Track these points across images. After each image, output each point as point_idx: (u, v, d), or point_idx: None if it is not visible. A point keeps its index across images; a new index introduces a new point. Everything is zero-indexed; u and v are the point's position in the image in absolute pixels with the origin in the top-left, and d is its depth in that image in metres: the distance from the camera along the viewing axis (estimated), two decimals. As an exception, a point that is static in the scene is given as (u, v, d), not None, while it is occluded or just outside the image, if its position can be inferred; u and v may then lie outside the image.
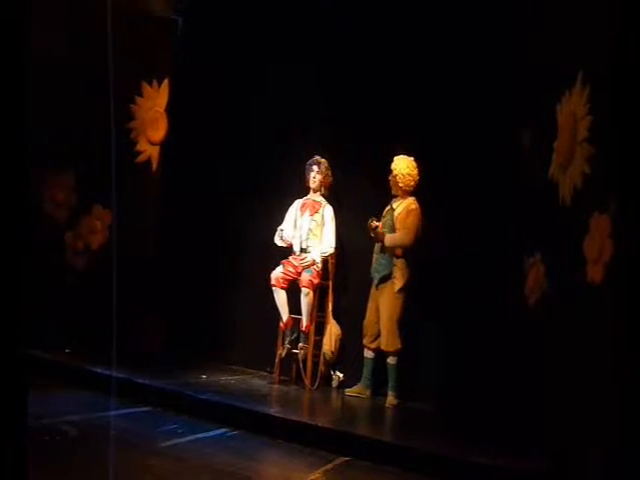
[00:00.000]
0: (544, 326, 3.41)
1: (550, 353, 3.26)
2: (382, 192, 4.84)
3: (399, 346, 4.52)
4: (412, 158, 4.66)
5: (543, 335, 3.41)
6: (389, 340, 4.52)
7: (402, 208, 4.65)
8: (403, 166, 4.62)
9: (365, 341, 4.68)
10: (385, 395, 4.56)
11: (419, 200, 4.72)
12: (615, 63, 2.59)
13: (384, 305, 4.55)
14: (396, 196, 4.72)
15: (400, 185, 4.63)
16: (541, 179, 3.52)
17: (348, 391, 4.71)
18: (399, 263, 4.56)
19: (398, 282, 4.52)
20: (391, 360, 4.54)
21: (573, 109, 3.12)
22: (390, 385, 4.55)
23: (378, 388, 4.67)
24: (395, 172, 4.63)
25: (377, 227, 4.61)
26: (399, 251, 4.58)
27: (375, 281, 4.65)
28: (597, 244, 2.68)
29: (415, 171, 4.64)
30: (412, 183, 4.63)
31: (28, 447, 1.89)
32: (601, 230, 2.66)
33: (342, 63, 5.23)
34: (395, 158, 4.66)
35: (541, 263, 3.55)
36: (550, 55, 3.57)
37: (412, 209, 4.62)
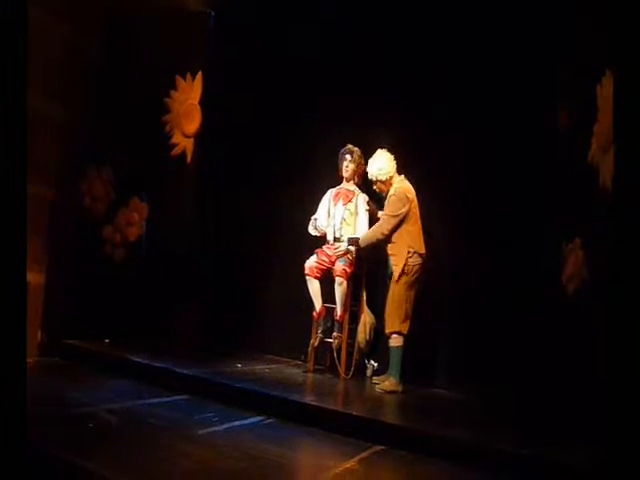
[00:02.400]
0: (583, 314, 3.33)
1: (591, 342, 3.18)
2: (415, 179, 4.79)
3: (397, 328, 4.40)
4: (382, 150, 4.66)
5: (582, 323, 3.33)
6: (387, 322, 4.46)
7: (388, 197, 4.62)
8: (373, 170, 4.64)
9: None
10: (419, 384, 4.52)
11: (452, 180, 4.72)
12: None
13: (390, 289, 4.50)
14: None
15: (378, 185, 4.66)
16: (580, 163, 3.42)
17: (375, 379, 4.67)
18: (395, 252, 4.49)
19: (396, 271, 4.44)
20: (391, 342, 4.45)
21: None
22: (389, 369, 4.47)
23: (413, 377, 4.63)
24: (371, 178, 4.67)
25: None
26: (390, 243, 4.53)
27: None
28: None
29: (385, 164, 4.60)
30: (386, 177, 4.59)
31: (67, 432, 1.93)
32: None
33: (376, 51, 5.19)
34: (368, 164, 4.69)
35: (580, 249, 3.46)
36: (590, 33, 3.46)
37: (390, 195, 4.57)
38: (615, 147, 2.39)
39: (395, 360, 4.43)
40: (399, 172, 4.68)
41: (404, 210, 4.48)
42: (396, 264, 4.46)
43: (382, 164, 4.61)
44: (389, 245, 4.54)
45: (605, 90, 3.15)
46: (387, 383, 4.41)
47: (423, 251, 4.51)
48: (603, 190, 3.11)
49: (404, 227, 4.50)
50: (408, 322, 4.44)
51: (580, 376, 3.25)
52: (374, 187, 4.73)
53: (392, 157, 4.66)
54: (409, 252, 4.45)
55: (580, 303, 3.44)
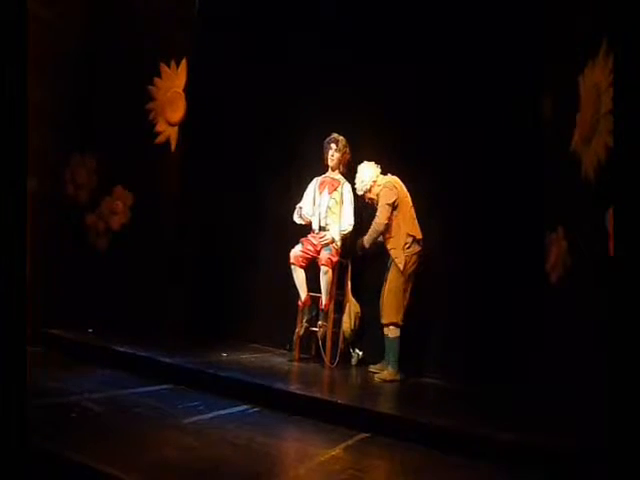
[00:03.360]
0: (567, 303, 3.37)
1: (574, 330, 3.22)
2: (400, 169, 4.82)
3: (394, 319, 4.48)
4: (362, 164, 4.78)
5: (565, 312, 3.37)
6: (384, 311, 4.53)
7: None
8: (357, 185, 4.76)
9: (381, 319, 4.68)
10: (409, 374, 4.56)
11: (437, 171, 4.77)
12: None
13: (388, 280, 4.56)
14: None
15: (366, 195, 4.75)
16: (563, 153, 3.44)
17: (372, 367, 4.74)
18: (394, 245, 4.55)
19: (396, 262, 4.51)
20: (388, 333, 4.52)
21: (596, 80, 3.03)
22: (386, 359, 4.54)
23: (403, 366, 4.66)
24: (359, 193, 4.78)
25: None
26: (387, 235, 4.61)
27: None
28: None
29: (365, 174, 4.72)
30: (370, 184, 4.69)
31: (51, 422, 1.92)
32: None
33: (362, 37, 5.17)
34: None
35: (564, 239, 3.50)
36: (572, 24, 3.47)
37: (379, 191, 4.65)
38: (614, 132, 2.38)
39: (393, 350, 4.50)
40: (384, 173, 4.76)
41: (395, 197, 4.57)
42: (396, 256, 4.53)
43: (363, 175, 4.73)
44: (389, 240, 4.59)
45: (587, 80, 3.17)
46: (386, 373, 4.48)
47: (420, 235, 4.60)
48: (585, 179, 3.13)
49: (399, 216, 4.57)
50: (402, 313, 4.52)
51: (565, 364, 3.29)
52: (366, 201, 4.80)
53: (372, 164, 4.76)
54: (406, 243, 4.52)
55: (563, 291, 3.48)
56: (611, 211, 2.74)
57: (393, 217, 4.57)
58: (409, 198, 4.67)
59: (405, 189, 4.68)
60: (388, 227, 4.59)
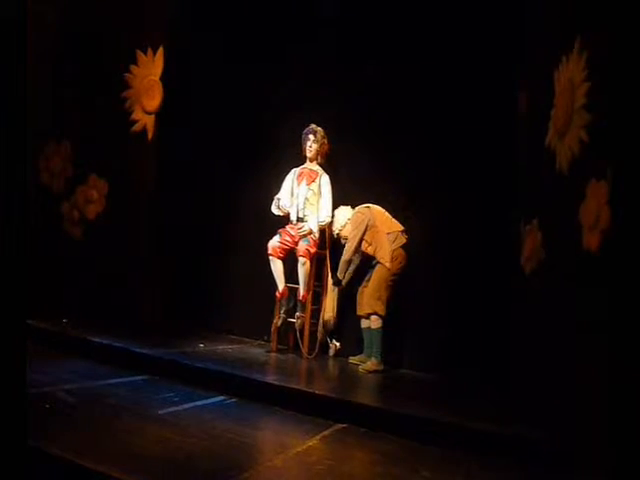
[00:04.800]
0: (540, 294, 3.42)
1: (547, 322, 3.27)
2: (379, 160, 4.84)
3: (376, 309, 4.53)
4: (338, 209, 4.89)
5: (538, 304, 3.43)
6: (366, 303, 4.58)
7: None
8: (333, 228, 4.89)
9: (358, 311, 4.71)
10: (388, 365, 4.59)
11: (415, 166, 4.81)
12: (613, 28, 2.54)
13: (372, 277, 4.63)
14: None
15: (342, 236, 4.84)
16: (538, 146, 3.49)
17: (352, 359, 4.77)
18: (377, 246, 4.62)
19: (385, 262, 4.58)
20: (371, 324, 4.57)
21: (570, 75, 3.07)
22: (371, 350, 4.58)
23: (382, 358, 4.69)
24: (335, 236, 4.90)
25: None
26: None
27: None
28: (594, 210, 2.67)
29: (340, 217, 4.85)
30: (344, 223, 4.80)
31: (29, 414, 1.90)
32: (598, 196, 2.64)
33: (341, 28, 5.17)
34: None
35: (538, 230, 3.55)
36: (547, 20, 3.51)
37: (351, 221, 4.74)
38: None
39: (376, 341, 4.55)
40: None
41: (364, 219, 4.65)
42: (382, 257, 4.58)
43: (339, 216, 4.84)
44: (368, 248, 4.65)
45: (562, 74, 3.21)
46: (369, 364, 4.52)
47: (401, 227, 4.67)
48: (559, 173, 3.18)
49: (377, 228, 4.64)
50: (384, 305, 4.57)
51: (540, 356, 3.34)
52: (342, 241, 4.85)
53: (349, 208, 4.85)
54: (390, 239, 4.59)
55: (537, 283, 3.53)
56: (584, 204, 2.79)
57: (371, 233, 4.63)
58: (377, 207, 4.74)
59: (372, 205, 4.74)
60: (358, 248, 4.66)
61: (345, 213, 4.84)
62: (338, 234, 4.87)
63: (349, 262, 4.77)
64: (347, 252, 4.70)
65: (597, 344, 2.53)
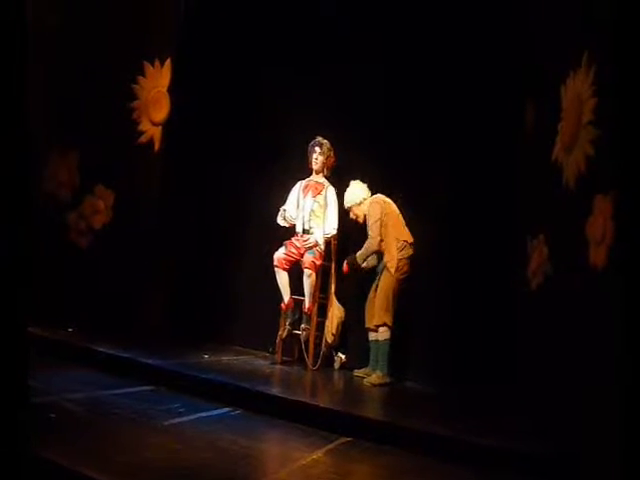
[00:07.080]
0: (546, 310, 3.41)
1: (553, 337, 3.26)
2: (385, 173, 4.85)
3: (385, 320, 4.51)
4: (354, 181, 4.85)
5: (545, 319, 3.42)
6: (375, 315, 4.55)
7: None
8: (347, 198, 4.84)
9: (368, 323, 4.69)
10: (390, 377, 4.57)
11: (421, 179, 4.84)
12: (620, 44, 2.56)
13: (380, 284, 4.61)
14: None
15: (353, 210, 4.82)
16: (545, 161, 3.49)
17: (357, 372, 4.75)
18: (386, 249, 4.62)
19: (389, 267, 4.57)
20: (378, 336, 4.54)
21: (578, 91, 3.09)
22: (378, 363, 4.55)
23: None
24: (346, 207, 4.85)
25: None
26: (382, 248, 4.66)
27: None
28: (600, 226, 2.68)
29: (356, 190, 4.80)
30: (360, 199, 4.77)
31: (34, 423, 1.90)
32: (604, 212, 2.65)
33: (348, 41, 5.20)
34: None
35: (544, 245, 3.55)
36: (555, 35, 3.53)
37: (367, 211, 4.72)
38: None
39: (382, 353, 4.52)
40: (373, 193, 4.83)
41: (380, 211, 4.63)
42: (388, 261, 4.57)
43: (354, 190, 4.80)
44: (382, 243, 4.64)
45: (570, 90, 3.23)
46: (374, 377, 4.49)
47: (411, 239, 4.66)
48: (566, 188, 3.18)
49: (388, 227, 4.63)
50: (392, 315, 4.55)
51: (547, 371, 3.32)
52: (350, 216, 4.84)
53: (364, 186, 4.82)
54: (398, 247, 4.58)
55: (543, 298, 3.52)
56: (590, 220, 2.79)
57: (382, 230, 4.62)
58: (394, 206, 4.73)
59: (390, 201, 4.74)
60: (380, 240, 4.63)
61: (361, 191, 4.79)
62: (350, 208, 4.82)
63: (373, 251, 4.67)
64: (373, 239, 4.61)
65: (604, 359, 2.52)
